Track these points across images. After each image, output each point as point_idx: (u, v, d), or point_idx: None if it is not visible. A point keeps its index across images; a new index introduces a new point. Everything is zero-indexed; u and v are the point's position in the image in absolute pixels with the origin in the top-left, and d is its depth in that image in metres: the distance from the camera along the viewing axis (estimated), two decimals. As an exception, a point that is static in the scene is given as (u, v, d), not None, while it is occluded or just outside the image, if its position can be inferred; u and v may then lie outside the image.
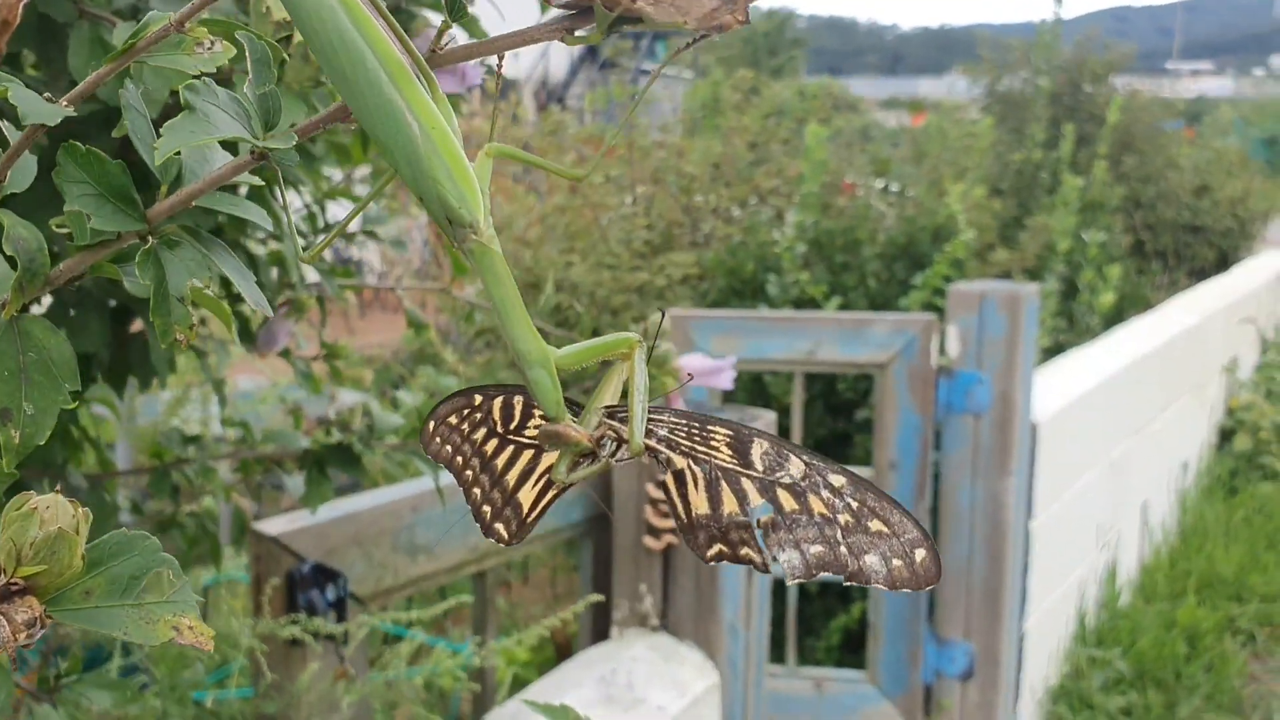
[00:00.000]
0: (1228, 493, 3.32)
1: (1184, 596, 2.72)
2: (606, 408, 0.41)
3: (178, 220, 0.42)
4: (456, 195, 0.38)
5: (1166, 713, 2.30)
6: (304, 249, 1.03)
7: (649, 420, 0.40)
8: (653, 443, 0.40)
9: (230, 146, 0.41)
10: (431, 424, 0.46)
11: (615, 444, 0.40)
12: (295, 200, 1.02)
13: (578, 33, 0.38)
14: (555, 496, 0.44)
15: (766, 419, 1.39)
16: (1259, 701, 2.39)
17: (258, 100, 0.38)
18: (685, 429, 0.40)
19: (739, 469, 0.40)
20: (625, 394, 0.41)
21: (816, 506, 0.39)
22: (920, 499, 2.00)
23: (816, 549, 0.39)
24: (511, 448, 0.44)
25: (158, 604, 0.36)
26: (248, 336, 0.98)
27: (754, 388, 2.43)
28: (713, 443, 0.40)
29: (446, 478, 1.32)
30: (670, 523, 1.37)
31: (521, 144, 3.36)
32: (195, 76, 0.38)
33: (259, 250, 1.01)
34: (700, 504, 0.40)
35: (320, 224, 0.99)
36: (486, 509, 0.44)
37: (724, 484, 0.40)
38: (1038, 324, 2.15)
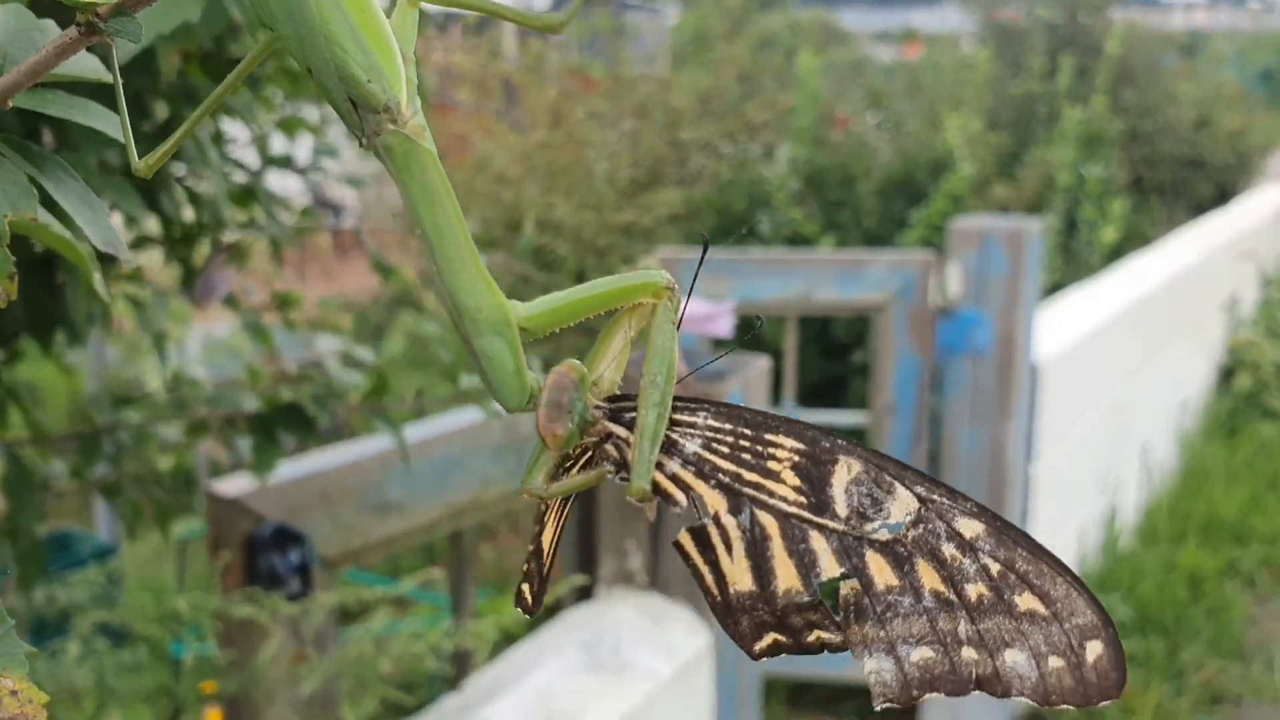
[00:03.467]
0: (1228, 433, 3.26)
1: (1185, 539, 2.67)
2: (610, 401, 0.27)
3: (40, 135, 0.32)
4: (364, 62, 0.26)
5: (1168, 658, 2.25)
6: (256, 184, 0.93)
7: (674, 424, 0.27)
8: (671, 473, 0.27)
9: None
10: None
11: (616, 466, 0.27)
12: (242, 132, 0.92)
13: None
14: (561, 527, 0.30)
15: (761, 365, 1.31)
16: (1261, 645, 2.35)
17: None
18: (730, 441, 0.26)
19: (807, 514, 0.26)
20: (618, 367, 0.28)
21: (929, 579, 0.25)
22: (919, 444, 1.93)
23: (922, 653, 0.25)
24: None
25: None
26: (189, 285, 0.89)
27: (745, 331, 2.35)
28: (771, 465, 0.26)
29: (416, 432, 1.24)
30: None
31: (502, 79, 3.24)
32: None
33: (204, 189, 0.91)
34: (740, 576, 0.26)
35: (266, 158, 0.90)
36: (523, 568, 0.32)
37: (779, 545, 0.26)
38: (1040, 262, 2.07)
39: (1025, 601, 0.25)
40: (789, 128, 2.69)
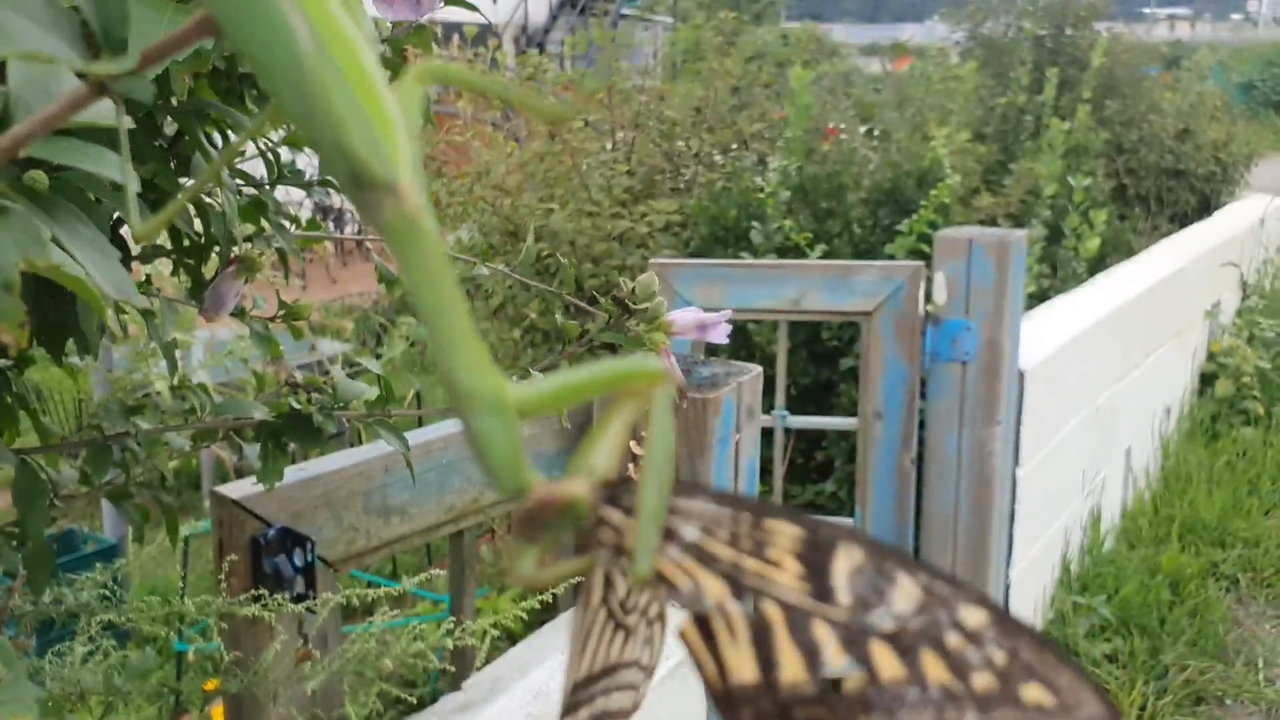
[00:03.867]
0: (1210, 437, 3.30)
1: (1167, 542, 2.71)
2: (606, 487, 0.27)
3: (11, 177, 0.32)
4: (366, 140, 0.25)
5: (1151, 659, 2.29)
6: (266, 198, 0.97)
7: (672, 511, 0.26)
8: (672, 561, 0.26)
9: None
10: None
11: (615, 547, 0.26)
12: (249, 148, 0.95)
13: None
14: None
15: (754, 373, 1.35)
16: (1242, 646, 2.38)
17: (95, 8, 0.28)
18: (729, 527, 0.26)
19: (811, 603, 0.25)
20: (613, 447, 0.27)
21: (935, 671, 0.25)
22: (906, 448, 1.97)
23: None
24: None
25: None
26: (198, 296, 0.92)
27: (737, 337, 2.39)
28: (771, 552, 0.26)
29: (417, 437, 1.27)
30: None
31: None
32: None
33: (212, 202, 0.94)
34: (743, 665, 0.26)
35: (275, 172, 0.93)
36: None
37: (782, 635, 0.26)
38: (1025, 270, 2.11)
39: (1031, 693, 0.24)
40: (780, 139, 2.73)
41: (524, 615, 1.14)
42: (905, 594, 0.25)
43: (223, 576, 1.09)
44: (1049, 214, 3.16)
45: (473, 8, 0.76)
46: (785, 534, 0.26)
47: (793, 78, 2.60)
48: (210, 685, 1.33)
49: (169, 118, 0.87)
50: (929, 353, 1.96)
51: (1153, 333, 2.96)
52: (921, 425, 1.99)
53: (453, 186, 2.66)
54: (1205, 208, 4.42)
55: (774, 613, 0.25)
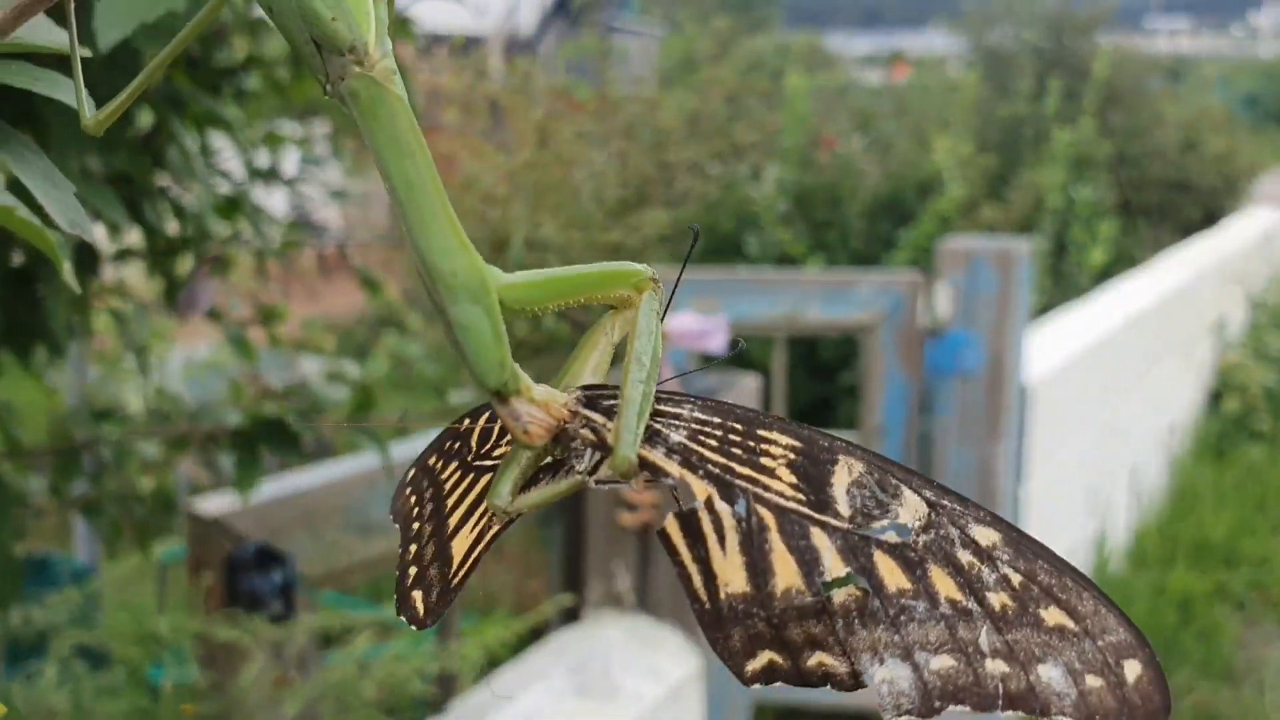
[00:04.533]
0: (1216, 455, 3.26)
1: (1174, 563, 2.66)
2: (585, 389, 0.25)
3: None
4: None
5: (1158, 682, 2.24)
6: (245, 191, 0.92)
7: (657, 415, 0.24)
8: (657, 456, 0.24)
9: None
10: (411, 472, 0.30)
11: (594, 450, 0.24)
12: (226, 144, 0.90)
13: None
14: (493, 539, 0.27)
15: (750, 383, 1.30)
16: (1251, 669, 2.34)
17: None
18: (718, 434, 0.24)
19: (807, 510, 0.23)
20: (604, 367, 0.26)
21: (944, 586, 0.23)
22: (908, 464, 1.92)
23: (943, 661, 0.22)
24: (471, 476, 0.28)
25: None
26: (172, 297, 0.87)
27: (731, 350, 2.34)
28: (764, 461, 0.24)
29: (401, 450, 1.22)
30: (649, 496, 1.27)
31: (489, 100, 3.24)
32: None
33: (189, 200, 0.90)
34: (733, 575, 0.24)
35: (251, 170, 0.88)
36: (411, 570, 0.28)
37: (777, 538, 0.23)
38: (1030, 282, 2.07)
39: (1053, 616, 0.22)
40: (776, 149, 2.69)
41: (514, 639, 1.10)
42: (911, 508, 0.23)
43: (198, 595, 1.05)
44: (1053, 226, 3.12)
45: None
46: (780, 444, 0.24)
47: (789, 86, 2.56)
48: (187, 709, 1.28)
49: (144, 107, 0.83)
50: (930, 366, 1.91)
51: (1158, 349, 2.93)
52: (924, 441, 1.95)
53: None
54: (1210, 220, 4.40)
55: (767, 516, 0.24)
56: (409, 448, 1.27)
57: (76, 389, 2.04)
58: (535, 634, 1.42)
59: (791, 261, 2.41)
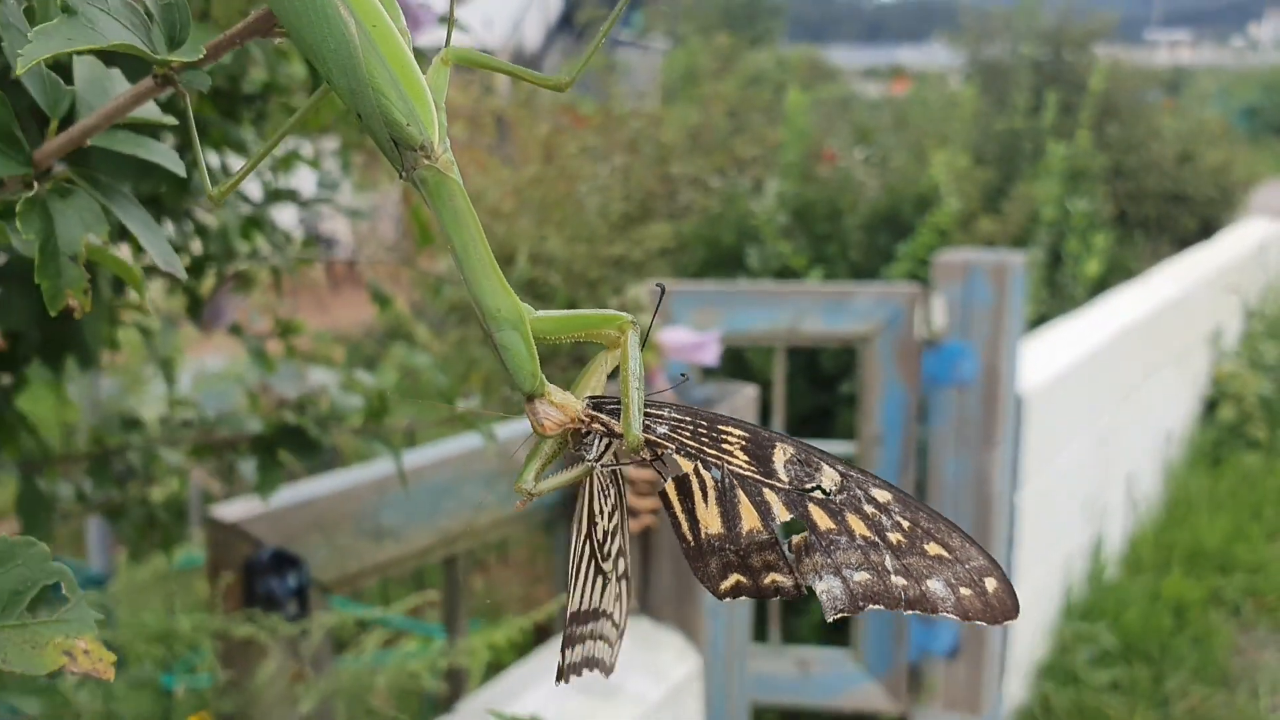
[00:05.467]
0: (1212, 463, 3.29)
1: (1170, 569, 2.69)
2: (591, 398, 0.34)
3: (75, 166, 0.35)
4: (404, 109, 0.31)
5: (1154, 686, 2.27)
6: (244, 211, 0.96)
7: (646, 414, 0.33)
8: (652, 438, 0.33)
9: (131, 77, 0.35)
10: None
11: (604, 442, 0.33)
12: (236, 163, 0.95)
13: None
14: (627, 589, 0.36)
15: (748, 393, 1.34)
16: (1245, 674, 2.37)
17: (160, 10, 0.31)
18: (691, 428, 0.33)
19: (759, 477, 0.33)
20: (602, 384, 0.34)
21: (858, 526, 0.32)
22: (905, 472, 1.96)
23: (862, 576, 0.32)
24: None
25: (47, 624, 0.30)
26: (196, 312, 0.92)
27: (734, 362, 2.38)
28: (725, 445, 0.33)
29: (419, 457, 1.27)
30: (649, 502, 1.31)
31: (495, 115, 3.29)
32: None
33: (209, 222, 0.94)
34: (711, 521, 0.33)
35: (272, 191, 0.93)
36: (582, 629, 0.37)
37: (741, 495, 0.33)
38: (1024, 294, 2.11)
39: (933, 548, 0.32)
40: (777, 163, 2.73)
41: (520, 639, 1.13)
42: (829, 476, 0.33)
43: (211, 602, 1.09)
44: (1049, 238, 3.16)
45: (462, 28, 0.76)
46: (734, 434, 0.33)
47: (789, 101, 2.61)
48: (199, 717, 1.32)
49: (171, 132, 0.88)
50: (927, 376, 1.95)
51: (1154, 358, 2.96)
52: (921, 450, 1.99)
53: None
54: (1206, 232, 4.43)
55: (733, 481, 0.33)
56: (418, 455, 1.31)
57: (90, 399, 2.09)
58: (540, 633, 1.46)
59: (792, 274, 2.46)
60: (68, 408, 1.90)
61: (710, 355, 0.81)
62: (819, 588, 0.32)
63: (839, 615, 0.32)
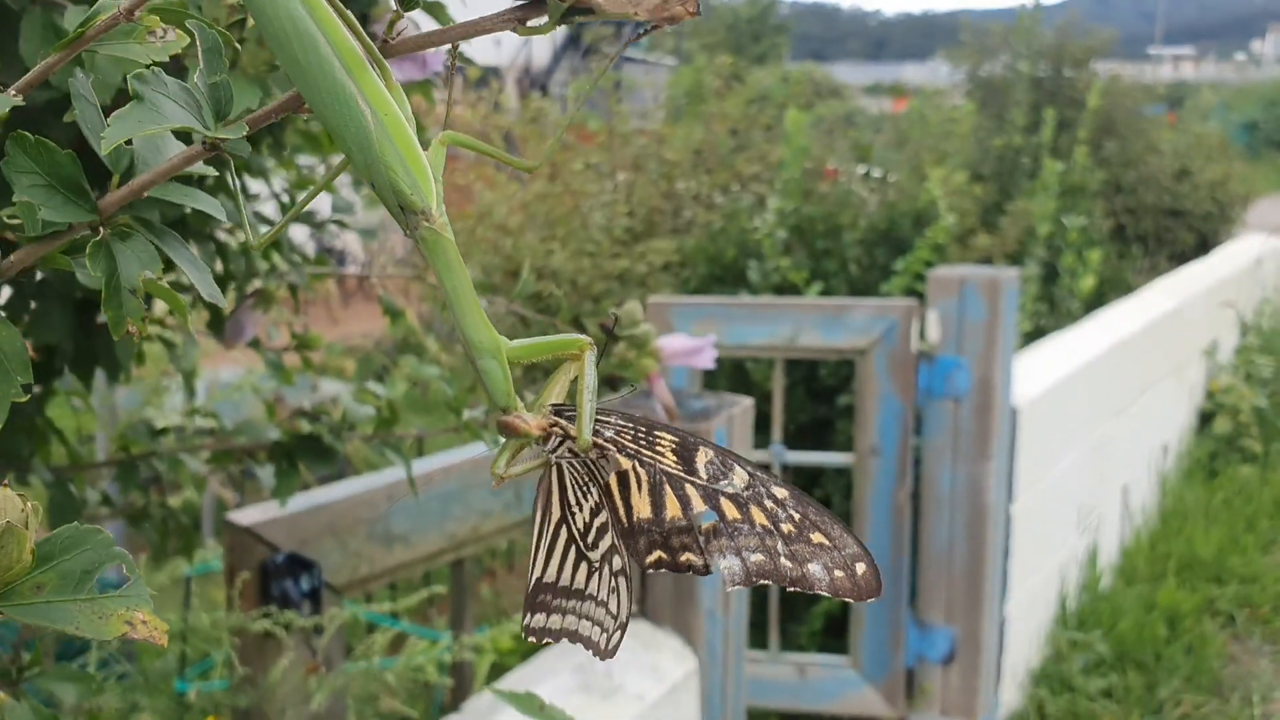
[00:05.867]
0: (1207, 475, 3.33)
1: (1164, 579, 2.73)
2: (554, 405, 0.41)
3: (131, 211, 0.41)
4: (409, 181, 0.39)
5: (1147, 694, 2.31)
6: (281, 237, 1.02)
7: (595, 422, 0.40)
8: (599, 440, 0.40)
9: (184, 135, 0.41)
10: None
11: (560, 440, 0.40)
12: (263, 188, 1.01)
13: (530, 23, 0.38)
14: (630, 581, 0.43)
15: (744, 405, 1.39)
16: (1238, 682, 2.40)
17: (209, 90, 0.38)
18: (632, 432, 0.40)
19: (683, 475, 0.40)
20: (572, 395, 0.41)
21: (758, 517, 0.39)
22: (901, 484, 2.00)
23: (757, 557, 0.39)
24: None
25: (111, 598, 0.37)
26: (217, 327, 0.97)
27: (735, 374, 2.43)
28: (659, 447, 0.40)
29: (419, 467, 1.32)
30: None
31: (504, 131, 3.35)
32: (146, 66, 0.38)
33: (229, 240, 1.00)
34: (643, 508, 0.40)
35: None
36: (589, 614, 0.44)
37: (668, 488, 0.40)
38: (1018, 308, 2.15)
39: (817, 537, 0.39)
40: (778, 180, 2.78)
41: (523, 647, 1.18)
42: (739, 476, 0.40)
43: (234, 596, 1.14)
44: (1045, 253, 3.21)
45: (469, 61, 0.81)
46: (666, 438, 0.40)
47: (788, 121, 2.66)
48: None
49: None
50: (923, 389, 2.00)
51: (1150, 370, 3.00)
52: (917, 461, 2.03)
53: (455, 227, 2.71)
54: (1203, 247, 4.47)
55: (662, 477, 0.40)
56: (426, 463, 1.36)
57: (107, 408, 2.15)
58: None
59: (792, 289, 2.51)
60: (85, 416, 1.95)
61: (706, 360, 0.87)
62: (722, 565, 0.39)
63: (735, 587, 0.39)
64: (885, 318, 1.97)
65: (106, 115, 0.38)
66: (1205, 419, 3.56)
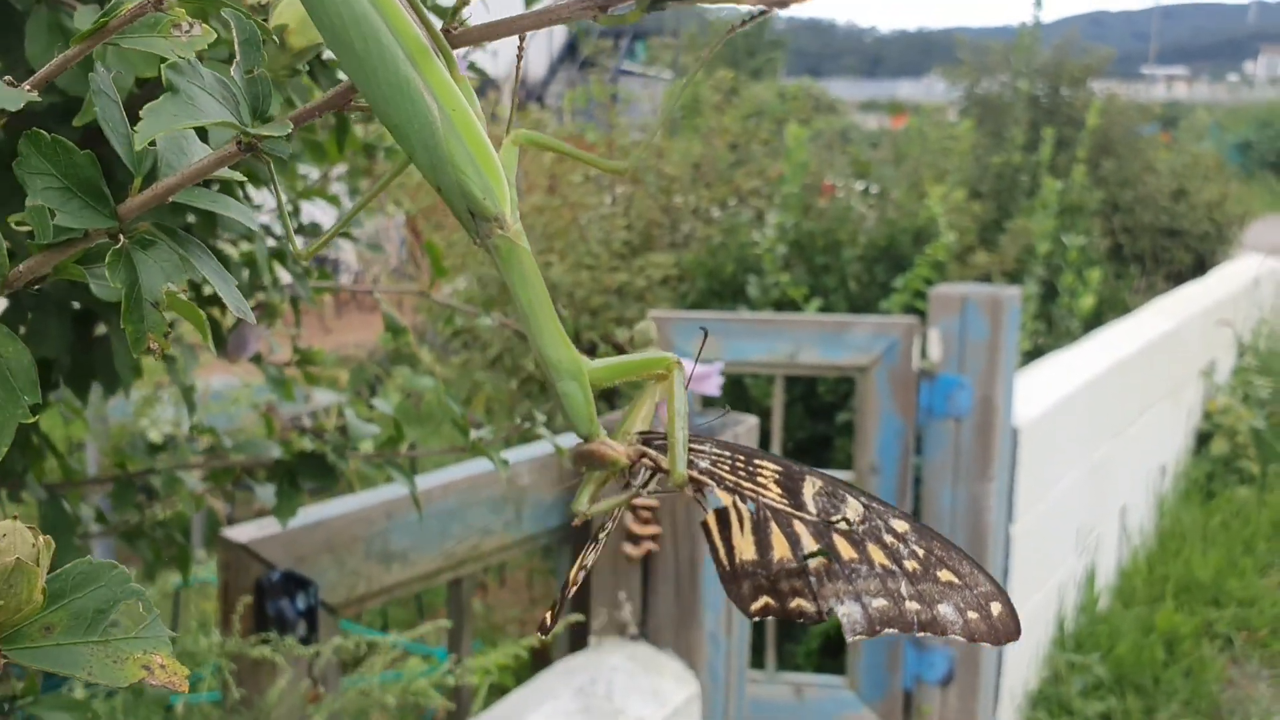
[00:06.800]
0: (1205, 496, 3.32)
1: (1162, 601, 2.72)
2: (640, 434, 0.37)
3: (151, 218, 0.39)
4: (480, 184, 0.35)
5: (1145, 718, 2.29)
6: (286, 248, 1.00)
7: (689, 451, 0.36)
8: (694, 474, 0.36)
9: (203, 136, 0.39)
10: None
11: (650, 473, 0.36)
12: (268, 199, 0.99)
13: (613, 10, 0.34)
14: (582, 568, 0.39)
15: (749, 423, 1.37)
16: (1236, 706, 2.39)
17: (245, 84, 0.35)
18: (730, 462, 0.37)
19: (790, 509, 0.36)
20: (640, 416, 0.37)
21: (877, 555, 0.36)
22: (901, 502, 1.98)
23: (880, 602, 0.35)
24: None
25: (126, 640, 0.34)
26: (218, 341, 0.95)
27: (734, 390, 2.41)
28: (760, 479, 0.36)
29: (422, 483, 1.30)
30: (651, 529, 1.34)
31: (497, 142, 3.33)
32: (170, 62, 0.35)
33: (230, 251, 0.98)
34: (746, 548, 0.37)
35: (294, 225, 0.96)
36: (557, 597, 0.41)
37: (774, 525, 0.36)
38: (1019, 327, 2.14)
39: (945, 575, 0.35)
40: (777, 195, 2.77)
41: (515, 665, 1.16)
42: (853, 508, 0.36)
43: (230, 617, 1.11)
44: (1044, 272, 3.20)
45: (482, 72, 0.79)
46: (769, 468, 0.37)
47: (788, 135, 2.65)
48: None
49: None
50: (923, 408, 1.98)
51: (1148, 391, 2.99)
52: (916, 481, 2.01)
53: (451, 238, 2.69)
54: (1201, 267, 4.47)
55: (766, 513, 0.36)
56: (424, 480, 1.34)
57: (99, 419, 2.12)
58: (539, 658, 1.49)
59: (791, 304, 2.49)
60: (74, 425, 1.92)
61: (713, 386, 0.85)
62: (840, 611, 0.35)
63: (858, 638, 0.35)
64: (886, 335, 1.96)
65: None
66: (1202, 440, 3.55)
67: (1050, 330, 3.19)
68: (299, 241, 1.01)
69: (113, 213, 0.35)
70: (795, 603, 0.36)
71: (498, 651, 1.28)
